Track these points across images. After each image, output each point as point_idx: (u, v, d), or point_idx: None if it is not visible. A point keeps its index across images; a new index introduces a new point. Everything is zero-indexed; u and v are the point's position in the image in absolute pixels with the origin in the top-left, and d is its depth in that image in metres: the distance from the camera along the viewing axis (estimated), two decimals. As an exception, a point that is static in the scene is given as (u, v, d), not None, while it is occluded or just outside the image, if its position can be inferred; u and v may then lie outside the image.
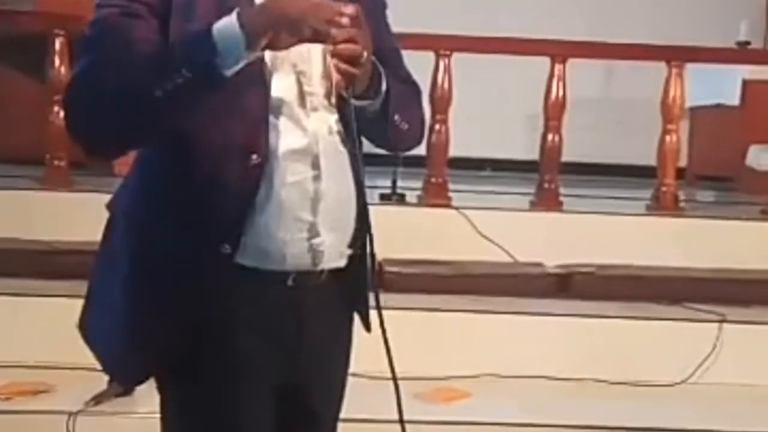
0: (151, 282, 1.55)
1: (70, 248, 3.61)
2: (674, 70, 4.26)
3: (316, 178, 1.54)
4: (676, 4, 6.96)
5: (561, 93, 4.22)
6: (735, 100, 5.91)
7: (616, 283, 3.87)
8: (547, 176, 4.26)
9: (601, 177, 6.18)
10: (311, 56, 1.56)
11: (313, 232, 1.55)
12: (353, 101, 1.50)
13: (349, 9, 1.44)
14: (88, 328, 1.68)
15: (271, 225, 1.52)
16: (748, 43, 6.24)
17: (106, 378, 3.06)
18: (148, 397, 3.21)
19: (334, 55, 1.46)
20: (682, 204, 4.44)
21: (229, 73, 1.40)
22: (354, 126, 1.50)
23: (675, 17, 6.77)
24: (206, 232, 1.51)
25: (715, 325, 3.57)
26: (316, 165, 1.54)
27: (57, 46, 4.07)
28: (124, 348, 1.59)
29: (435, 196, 4.20)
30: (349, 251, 1.63)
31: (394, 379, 1.57)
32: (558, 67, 4.21)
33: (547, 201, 4.25)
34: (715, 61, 5.03)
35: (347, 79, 1.47)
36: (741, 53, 5.63)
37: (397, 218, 3.94)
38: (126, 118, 1.43)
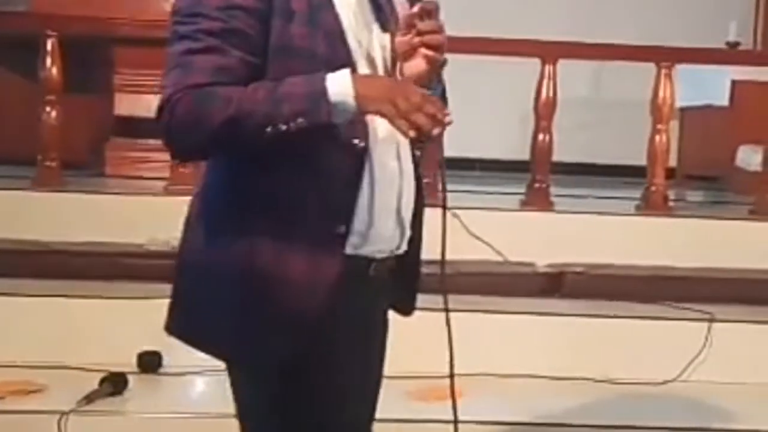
0: (260, 279, 1.57)
1: (63, 248, 3.61)
2: (663, 71, 4.28)
3: (399, 167, 1.66)
4: (665, 4, 6.98)
5: (551, 93, 4.23)
6: (724, 101, 5.93)
7: (606, 282, 3.89)
8: (538, 176, 4.28)
9: (591, 177, 6.21)
10: (374, 53, 1.64)
11: (398, 219, 1.66)
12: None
13: (430, 4, 1.57)
14: (194, 330, 1.67)
15: (370, 210, 1.60)
16: (737, 43, 6.27)
17: (97, 378, 3.08)
18: (139, 396, 3.24)
19: (423, 44, 1.58)
20: (671, 204, 4.46)
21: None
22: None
23: (665, 18, 6.80)
24: (320, 214, 1.56)
25: (705, 324, 3.59)
26: (398, 156, 1.65)
27: (49, 46, 4.07)
28: (249, 340, 1.60)
29: (426, 196, 4.20)
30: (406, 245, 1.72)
31: (452, 376, 1.76)
32: (548, 68, 4.23)
33: (537, 201, 4.27)
34: (704, 61, 5.06)
35: (437, 66, 1.59)
36: (730, 54, 5.65)
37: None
38: (232, 143, 1.51)
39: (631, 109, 5.01)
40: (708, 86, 5.88)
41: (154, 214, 4.01)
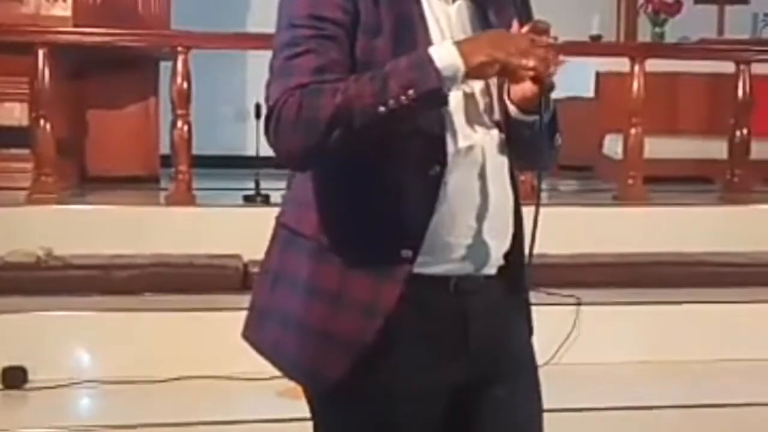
0: (328, 295, 1.57)
1: None
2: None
3: (482, 187, 1.59)
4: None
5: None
6: (590, 92, 6.12)
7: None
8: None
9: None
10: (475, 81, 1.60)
11: (477, 239, 1.60)
12: (523, 117, 1.58)
13: (542, 23, 1.54)
14: (261, 341, 1.67)
15: (442, 231, 1.57)
16: (600, 36, 6.47)
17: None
18: (2, 413, 3.12)
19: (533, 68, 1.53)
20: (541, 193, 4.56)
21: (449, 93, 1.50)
22: (545, 119, 1.57)
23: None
24: (387, 239, 1.55)
25: (573, 308, 3.70)
26: (482, 176, 1.59)
27: None
28: (308, 359, 1.59)
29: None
30: (502, 262, 1.66)
31: None
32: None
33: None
34: (568, 54, 5.18)
35: (545, 90, 1.54)
36: (593, 46, 5.82)
37: (262, 219, 3.92)
38: (345, 134, 1.47)
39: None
40: (574, 78, 6.05)
41: (15, 225, 3.89)
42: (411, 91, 1.45)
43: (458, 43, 1.49)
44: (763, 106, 5.54)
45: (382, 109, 1.46)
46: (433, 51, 1.48)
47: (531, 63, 1.49)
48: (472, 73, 1.49)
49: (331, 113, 1.46)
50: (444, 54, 1.48)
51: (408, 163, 1.55)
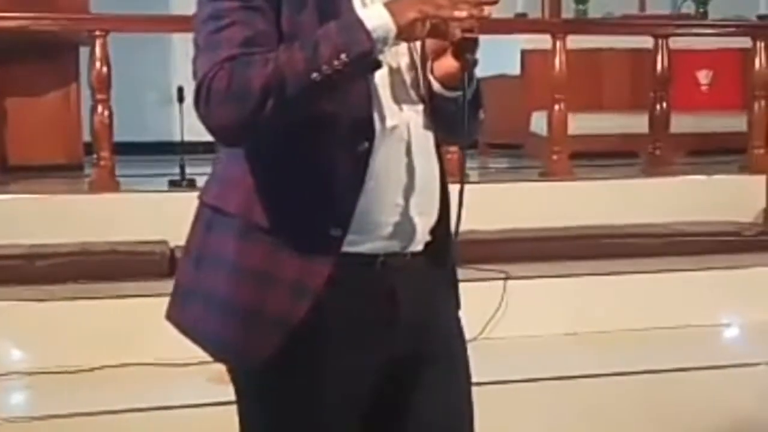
0: (255, 273, 1.55)
1: None
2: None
3: (409, 163, 1.59)
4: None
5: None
6: (516, 70, 6.17)
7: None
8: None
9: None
10: (398, 49, 1.59)
11: (404, 216, 1.60)
12: (447, 93, 1.59)
13: None
14: (184, 320, 1.65)
15: (370, 209, 1.56)
16: (525, 14, 6.52)
17: None
18: None
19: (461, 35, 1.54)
20: (467, 171, 4.60)
21: (381, 57, 1.48)
22: (470, 88, 1.57)
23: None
24: (317, 217, 1.55)
25: (501, 282, 3.74)
26: (408, 151, 1.59)
27: None
28: (234, 337, 1.58)
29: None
30: (428, 237, 1.66)
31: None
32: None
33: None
34: (492, 31, 5.21)
35: (468, 65, 1.54)
36: (514, 23, 5.84)
37: (188, 203, 3.88)
38: (278, 105, 1.45)
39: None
40: (500, 56, 6.08)
41: None
42: (343, 55, 1.44)
43: (387, 4, 1.49)
44: (682, 81, 5.68)
45: (315, 75, 1.45)
46: (362, 13, 1.48)
47: (463, 13, 1.48)
48: (403, 32, 1.48)
49: (263, 83, 1.44)
50: (374, 15, 1.47)
51: (336, 139, 1.54)
